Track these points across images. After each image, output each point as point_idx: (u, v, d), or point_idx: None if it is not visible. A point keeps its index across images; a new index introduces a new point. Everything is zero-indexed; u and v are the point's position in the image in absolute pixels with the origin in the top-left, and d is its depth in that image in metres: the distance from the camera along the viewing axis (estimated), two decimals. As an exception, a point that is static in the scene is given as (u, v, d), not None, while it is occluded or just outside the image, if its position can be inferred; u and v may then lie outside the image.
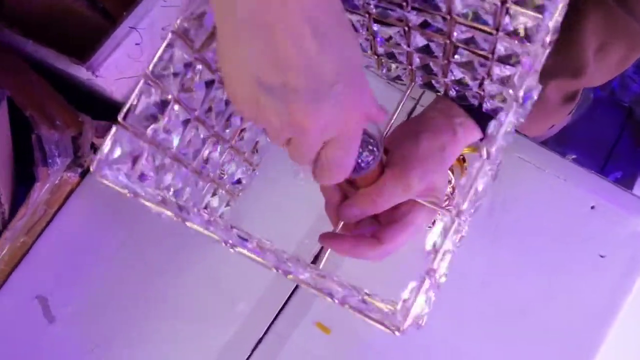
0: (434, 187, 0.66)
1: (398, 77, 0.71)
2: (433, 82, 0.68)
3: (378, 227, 0.67)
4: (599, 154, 1.32)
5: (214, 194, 0.73)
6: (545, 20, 0.43)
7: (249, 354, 0.85)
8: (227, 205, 0.78)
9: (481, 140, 0.70)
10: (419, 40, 0.59)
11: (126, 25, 0.87)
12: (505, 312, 0.84)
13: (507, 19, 0.49)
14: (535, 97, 0.46)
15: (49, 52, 0.88)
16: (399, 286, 0.48)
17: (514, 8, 0.48)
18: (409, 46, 0.61)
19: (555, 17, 0.43)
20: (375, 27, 0.61)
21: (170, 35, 0.53)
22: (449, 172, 0.76)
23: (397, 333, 0.44)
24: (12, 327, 0.90)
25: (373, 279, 0.69)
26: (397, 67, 0.68)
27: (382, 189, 0.63)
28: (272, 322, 0.86)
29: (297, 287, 0.87)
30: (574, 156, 0.88)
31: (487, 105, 0.66)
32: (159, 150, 0.58)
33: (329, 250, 0.68)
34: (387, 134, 0.71)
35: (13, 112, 0.84)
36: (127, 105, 0.53)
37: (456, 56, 0.59)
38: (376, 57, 0.67)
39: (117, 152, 0.54)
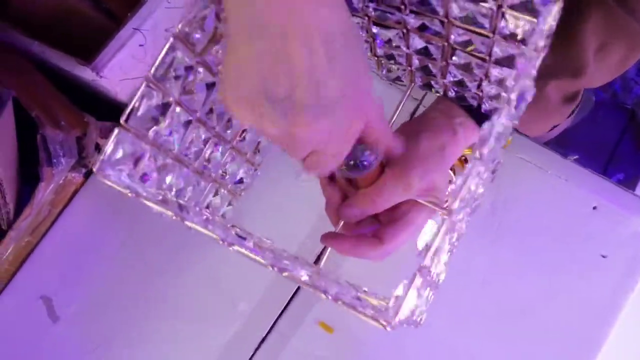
0: (434, 187, 0.66)
1: (398, 78, 0.71)
2: (432, 83, 0.69)
3: (379, 227, 0.68)
4: (600, 156, 1.32)
5: (215, 194, 0.73)
6: (539, 25, 0.43)
7: (252, 354, 0.86)
8: (229, 205, 0.78)
9: None
10: (418, 43, 0.60)
11: (130, 27, 0.88)
12: (506, 312, 0.84)
13: (502, 23, 0.49)
14: (529, 100, 0.46)
15: (54, 53, 0.89)
16: (399, 285, 0.49)
17: (509, 12, 0.48)
18: (408, 48, 0.62)
19: (549, 22, 0.43)
20: (375, 29, 0.61)
21: (171, 38, 0.54)
22: (450, 172, 0.76)
23: (388, 328, 0.44)
24: (16, 326, 0.91)
25: (374, 278, 0.69)
26: (397, 69, 0.69)
27: (382, 189, 0.64)
28: (275, 322, 0.87)
29: (300, 286, 0.87)
30: (576, 156, 0.88)
31: (486, 106, 0.66)
32: (160, 151, 0.58)
33: (330, 250, 0.69)
34: None
35: (18, 112, 0.85)
36: (129, 108, 0.53)
37: (454, 58, 0.59)
38: (376, 58, 0.68)
39: (120, 154, 0.54)
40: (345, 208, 0.66)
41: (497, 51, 0.54)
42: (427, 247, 0.45)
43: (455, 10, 0.51)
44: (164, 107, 0.56)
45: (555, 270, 0.84)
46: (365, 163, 0.61)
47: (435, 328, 0.83)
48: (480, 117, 0.68)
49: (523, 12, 0.47)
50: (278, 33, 0.40)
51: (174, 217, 0.51)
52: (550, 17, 0.43)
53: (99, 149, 0.90)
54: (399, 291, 0.45)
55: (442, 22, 0.54)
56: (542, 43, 0.43)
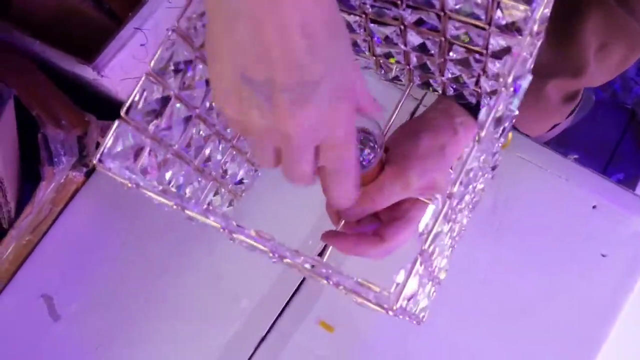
0: (435, 186, 0.66)
1: (396, 78, 0.71)
2: (431, 81, 0.69)
3: (380, 225, 0.68)
4: (601, 155, 1.32)
5: (216, 193, 0.73)
6: (534, 12, 0.44)
7: (252, 352, 0.86)
8: (230, 205, 0.78)
9: None
10: (415, 39, 0.60)
11: (131, 26, 0.88)
12: (506, 311, 0.84)
13: (498, 13, 0.50)
14: (526, 86, 0.46)
15: (55, 52, 0.89)
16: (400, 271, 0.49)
17: (504, 2, 0.48)
18: (405, 45, 0.62)
19: (542, 9, 0.43)
20: (372, 27, 0.61)
21: (171, 33, 0.54)
22: (451, 171, 0.76)
23: (390, 313, 0.44)
24: (17, 325, 0.91)
25: (375, 276, 0.69)
26: (395, 68, 0.69)
27: (382, 187, 0.64)
28: (276, 320, 0.87)
29: (300, 285, 0.87)
30: (575, 156, 0.88)
31: (485, 103, 0.66)
32: (160, 146, 0.58)
33: (331, 248, 0.69)
34: (387, 133, 0.72)
35: (20, 111, 0.85)
36: (130, 101, 0.54)
37: (451, 53, 0.59)
38: (374, 57, 0.68)
39: (120, 146, 0.55)
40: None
41: (494, 44, 0.54)
42: (428, 231, 0.45)
43: (451, 2, 0.51)
44: (164, 101, 0.56)
45: (555, 270, 0.84)
46: (364, 162, 0.62)
47: (435, 326, 0.83)
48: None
49: (518, 1, 0.47)
50: (252, 15, 0.40)
51: (174, 207, 0.51)
52: (544, 4, 0.43)
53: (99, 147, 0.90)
54: (400, 277, 0.45)
55: (438, 16, 0.54)
56: (536, 28, 0.43)
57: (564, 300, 0.84)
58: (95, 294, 0.91)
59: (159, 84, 0.55)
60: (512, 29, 0.51)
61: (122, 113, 0.53)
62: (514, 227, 0.86)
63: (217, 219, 0.50)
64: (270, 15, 0.39)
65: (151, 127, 0.56)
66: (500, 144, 0.63)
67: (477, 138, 0.45)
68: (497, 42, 0.54)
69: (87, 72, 0.87)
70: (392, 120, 0.73)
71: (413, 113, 0.90)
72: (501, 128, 0.48)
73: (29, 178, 0.89)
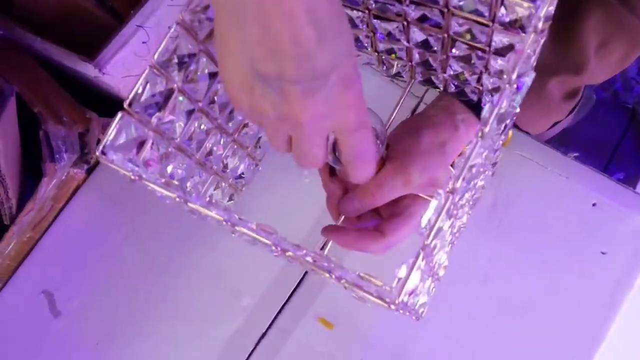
0: (435, 182, 0.66)
1: (398, 74, 0.72)
2: (433, 78, 0.69)
3: (380, 221, 0.68)
4: (601, 155, 1.33)
5: (216, 187, 0.74)
6: (538, 10, 0.44)
7: (252, 349, 0.86)
8: (231, 199, 0.79)
9: None
10: (418, 35, 0.60)
11: (133, 24, 0.89)
12: (506, 308, 0.84)
13: (502, 10, 0.50)
14: (529, 83, 0.47)
15: (57, 50, 0.89)
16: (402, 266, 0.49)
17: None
18: (408, 42, 0.62)
19: (547, 6, 0.44)
20: (375, 23, 0.62)
21: (175, 26, 0.54)
22: (451, 168, 0.77)
23: (392, 307, 0.44)
24: (18, 321, 0.91)
25: (376, 272, 0.69)
26: (397, 64, 0.69)
27: (382, 183, 0.64)
28: (275, 317, 0.87)
29: (300, 282, 0.88)
30: (576, 154, 0.88)
31: (486, 100, 0.67)
32: (163, 138, 0.59)
33: (331, 244, 0.69)
34: (387, 130, 0.72)
35: (21, 108, 0.85)
36: (133, 93, 0.54)
37: (454, 50, 0.60)
38: (377, 53, 0.68)
39: (123, 138, 0.55)
40: (345, 202, 0.67)
41: (497, 41, 0.54)
42: (430, 226, 0.45)
43: (454, -1, 0.52)
44: (167, 94, 0.57)
45: (555, 267, 0.85)
46: None
47: (435, 323, 0.83)
48: (481, 111, 0.69)
49: (522, -3, 0.47)
50: (263, 14, 0.40)
51: (177, 199, 0.51)
52: (549, 1, 0.43)
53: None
54: (402, 272, 0.45)
55: (442, 12, 0.55)
56: (540, 25, 0.44)
57: (563, 297, 0.84)
58: (96, 291, 0.91)
59: (162, 76, 0.55)
60: (515, 26, 0.51)
61: (126, 105, 0.54)
62: (514, 224, 0.86)
63: (219, 212, 0.50)
64: (276, 5, 0.39)
65: (154, 120, 0.57)
66: (501, 141, 0.63)
67: (480, 134, 0.45)
68: (500, 39, 0.54)
69: (88, 70, 0.87)
70: (392, 117, 0.74)
71: (414, 110, 0.91)
72: (503, 124, 0.49)
73: (30, 175, 0.89)
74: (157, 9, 0.90)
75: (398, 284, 0.45)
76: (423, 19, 0.57)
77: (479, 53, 0.58)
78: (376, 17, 0.61)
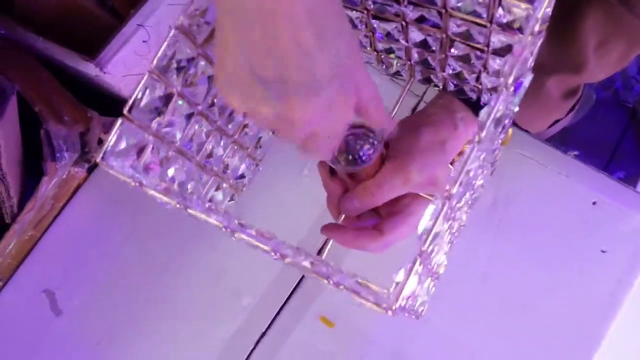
0: (435, 181, 0.66)
1: (398, 73, 0.72)
2: (432, 76, 0.69)
3: (379, 220, 0.68)
4: (602, 154, 1.33)
5: (217, 188, 0.74)
6: (535, 11, 0.44)
7: (252, 347, 0.86)
8: (231, 199, 0.79)
9: None
10: (416, 35, 0.60)
11: (134, 23, 0.89)
12: (506, 306, 0.84)
13: (500, 11, 0.50)
14: (527, 85, 0.47)
15: (58, 49, 0.89)
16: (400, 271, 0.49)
17: (506, 0, 0.49)
18: (407, 41, 0.62)
19: (544, 8, 0.44)
20: (374, 23, 0.62)
21: (173, 30, 0.55)
22: (451, 167, 0.77)
23: (389, 313, 0.44)
24: (19, 320, 0.91)
25: (375, 273, 0.69)
26: (396, 63, 0.69)
27: (382, 182, 0.64)
28: (276, 316, 0.87)
29: (300, 281, 0.88)
30: (576, 152, 0.88)
31: (485, 99, 0.67)
32: (163, 143, 0.59)
33: (331, 244, 0.69)
34: None
35: (22, 107, 0.85)
36: (132, 99, 0.54)
37: (453, 50, 0.60)
38: (376, 53, 0.68)
39: (123, 144, 0.55)
40: (345, 201, 0.67)
41: (495, 41, 0.54)
42: (427, 231, 0.45)
43: (452, 0, 0.52)
44: (167, 99, 0.57)
45: (555, 266, 0.85)
46: (364, 157, 0.62)
47: (435, 322, 0.83)
48: (480, 110, 0.69)
49: (519, 0, 0.47)
50: (263, 14, 0.40)
51: (177, 206, 0.52)
52: (546, 3, 0.43)
53: (102, 144, 0.90)
54: (400, 277, 0.45)
55: (440, 13, 0.55)
56: (537, 28, 0.44)
57: (563, 296, 0.84)
58: (96, 290, 0.91)
59: (161, 81, 0.55)
60: (513, 27, 0.51)
61: (125, 111, 0.54)
62: (514, 223, 0.87)
63: (219, 218, 0.51)
64: (281, 9, 0.39)
65: (154, 125, 0.57)
66: (500, 141, 0.63)
67: (477, 139, 0.45)
68: (499, 39, 0.54)
69: (89, 69, 0.87)
70: (392, 116, 0.74)
71: (414, 109, 0.91)
72: (501, 126, 0.49)
73: (31, 173, 0.89)
74: (157, 8, 0.90)
75: (395, 290, 0.45)
76: (421, 19, 0.57)
77: (478, 53, 0.59)
78: (375, 17, 0.61)
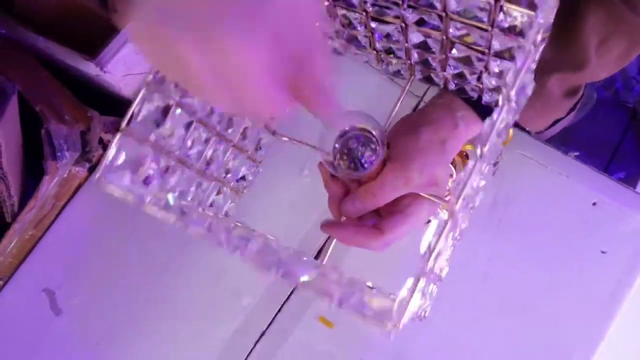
0: (435, 181, 0.66)
1: (398, 72, 0.71)
2: (432, 76, 0.69)
3: (379, 219, 0.68)
4: (602, 154, 1.32)
5: (218, 193, 0.74)
6: (537, 19, 0.44)
7: (252, 347, 0.86)
8: (232, 202, 0.79)
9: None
10: (416, 37, 0.60)
11: (134, 23, 0.89)
12: (506, 306, 0.84)
13: (501, 16, 0.50)
14: (529, 94, 0.47)
15: (59, 49, 0.89)
16: (401, 280, 0.49)
17: (507, 6, 0.48)
18: (407, 42, 0.62)
19: (547, 16, 0.43)
20: (373, 24, 0.62)
21: None
22: (451, 166, 0.77)
23: (392, 335, 0.44)
24: (19, 319, 0.92)
25: (376, 272, 0.69)
26: (396, 62, 0.69)
27: (383, 183, 0.64)
28: (275, 316, 0.87)
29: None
30: (576, 153, 0.88)
31: (487, 98, 0.67)
32: (162, 153, 0.59)
33: (332, 245, 0.69)
34: (388, 128, 0.72)
35: (23, 107, 0.85)
36: (130, 113, 0.54)
37: (454, 51, 0.60)
38: (375, 52, 0.68)
39: (122, 159, 0.55)
40: (347, 203, 0.67)
41: (496, 44, 0.54)
42: (430, 250, 0.45)
43: (453, 4, 0.52)
44: (165, 110, 0.57)
45: (555, 266, 0.85)
46: (365, 164, 0.62)
47: (436, 322, 0.83)
48: (481, 109, 0.69)
49: (521, 6, 0.47)
50: None
51: (177, 224, 0.52)
52: (548, 11, 0.43)
53: (102, 143, 0.90)
54: (403, 293, 0.45)
55: (440, 17, 0.55)
56: (540, 37, 0.44)
57: (563, 296, 0.84)
58: (96, 289, 0.91)
59: (159, 93, 0.55)
60: (515, 31, 0.51)
61: (123, 125, 0.54)
62: (514, 223, 0.87)
63: (218, 235, 0.50)
64: None
65: (152, 137, 0.57)
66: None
67: (479, 153, 0.45)
68: (500, 43, 0.54)
69: (90, 68, 0.87)
70: (392, 116, 0.73)
71: (414, 109, 0.91)
72: (503, 135, 0.49)
73: (32, 173, 0.89)
74: (159, 7, 0.90)
75: (399, 311, 0.44)
76: (421, 22, 0.57)
77: (479, 55, 0.58)
78: (374, 19, 0.61)
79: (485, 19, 0.51)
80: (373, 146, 0.61)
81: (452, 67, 0.64)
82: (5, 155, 0.82)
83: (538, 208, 0.87)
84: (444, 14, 0.54)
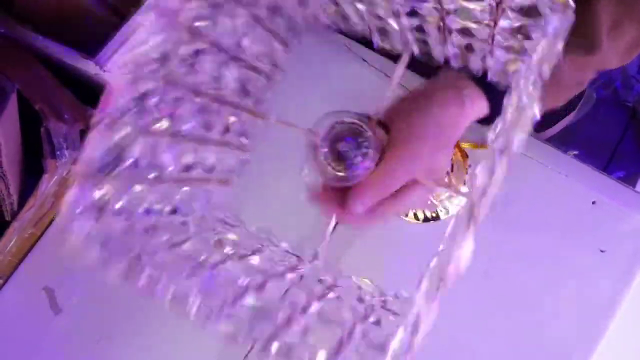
0: (438, 167, 0.63)
1: (392, 49, 0.66)
2: (431, 52, 0.64)
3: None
4: (602, 153, 1.33)
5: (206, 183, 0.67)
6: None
7: (251, 346, 0.86)
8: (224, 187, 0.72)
9: (489, 117, 0.68)
10: (413, 21, 0.57)
11: (134, 21, 0.89)
12: (505, 306, 0.84)
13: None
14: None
15: (58, 47, 0.89)
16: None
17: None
18: (403, 19, 0.58)
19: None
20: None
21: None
22: (455, 149, 0.74)
23: None
24: (19, 318, 0.91)
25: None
26: (393, 33, 0.63)
27: (384, 176, 0.61)
28: (275, 315, 0.87)
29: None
30: (575, 152, 0.88)
31: (491, 76, 0.63)
32: (143, 179, 0.54)
33: (329, 242, 0.67)
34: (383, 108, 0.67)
35: (22, 105, 0.85)
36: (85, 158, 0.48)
37: (453, 35, 0.56)
38: (367, 26, 0.64)
39: (85, 203, 0.49)
40: (353, 201, 0.61)
41: (504, 23, 0.51)
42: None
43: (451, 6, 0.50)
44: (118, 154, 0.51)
45: (554, 265, 0.85)
46: (361, 169, 0.59)
47: (436, 321, 0.83)
48: (486, 86, 0.66)
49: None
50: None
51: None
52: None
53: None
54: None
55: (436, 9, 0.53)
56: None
57: (562, 295, 0.84)
58: (96, 287, 0.91)
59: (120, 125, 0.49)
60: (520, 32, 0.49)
61: (78, 168, 0.48)
62: (513, 222, 0.87)
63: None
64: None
65: (120, 171, 0.51)
66: None
67: (507, 145, 0.42)
68: (508, 24, 0.51)
69: (89, 67, 0.88)
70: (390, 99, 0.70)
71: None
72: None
73: (31, 171, 0.89)
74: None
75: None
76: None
77: (482, 30, 0.55)
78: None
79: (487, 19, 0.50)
80: (365, 150, 0.59)
81: (453, 43, 0.60)
82: (5, 154, 0.82)
83: (537, 207, 0.87)
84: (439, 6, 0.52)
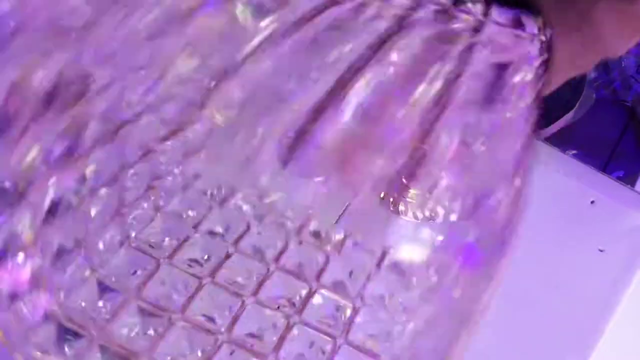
0: None
1: None
2: None
3: None
4: (601, 153, 1.32)
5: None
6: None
7: (249, 345, 0.86)
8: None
9: None
10: None
11: (132, 20, 0.89)
12: (504, 304, 0.83)
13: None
14: None
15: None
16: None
17: None
18: None
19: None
20: None
21: None
22: None
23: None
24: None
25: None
26: None
27: None
28: (273, 314, 0.87)
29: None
30: (574, 151, 0.88)
31: None
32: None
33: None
34: None
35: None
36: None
37: None
38: None
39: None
40: None
41: None
42: None
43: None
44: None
45: (552, 264, 0.84)
46: None
47: (433, 321, 0.83)
48: None
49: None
50: None
51: None
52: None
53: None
54: None
55: None
56: None
57: (561, 294, 0.83)
58: (94, 286, 0.91)
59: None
60: None
61: None
62: (512, 222, 0.86)
63: None
64: None
65: None
66: None
67: None
68: None
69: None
70: None
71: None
72: None
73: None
74: (157, 5, 0.90)
75: None
76: None
77: None
78: None
79: None
80: None
81: None
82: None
83: (535, 206, 0.86)
84: None
